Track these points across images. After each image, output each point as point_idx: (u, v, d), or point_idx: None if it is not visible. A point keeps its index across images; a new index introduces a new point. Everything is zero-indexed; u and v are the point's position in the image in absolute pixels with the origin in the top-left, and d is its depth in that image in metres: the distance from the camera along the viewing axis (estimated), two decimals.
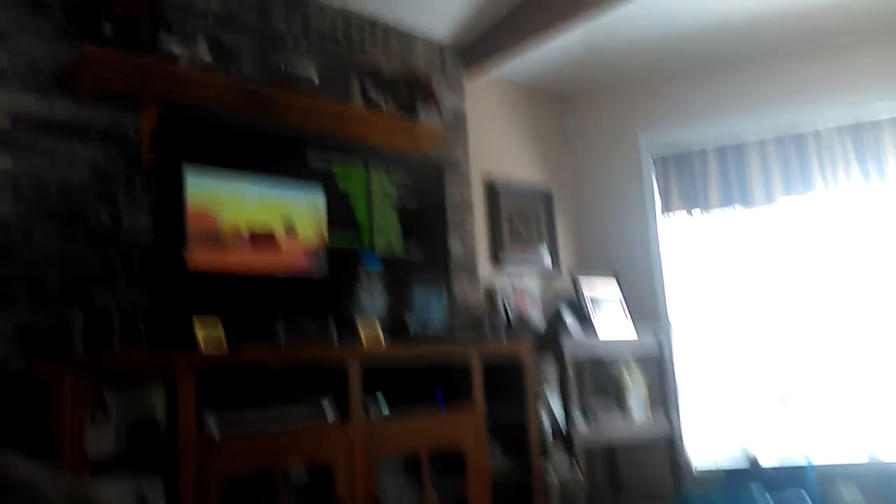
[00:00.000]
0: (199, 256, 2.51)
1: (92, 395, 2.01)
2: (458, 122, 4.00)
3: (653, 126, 4.58)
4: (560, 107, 4.81)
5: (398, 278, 3.06)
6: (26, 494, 0.88)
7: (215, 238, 2.57)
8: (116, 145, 2.67)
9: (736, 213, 4.36)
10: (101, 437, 2.02)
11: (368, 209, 3.05)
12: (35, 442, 2.11)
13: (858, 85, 4.10)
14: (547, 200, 4.52)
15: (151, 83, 2.59)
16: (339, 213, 2.93)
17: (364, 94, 3.28)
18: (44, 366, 2.15)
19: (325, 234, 2.88)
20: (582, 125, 4.80)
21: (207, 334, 2.31)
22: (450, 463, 2.83)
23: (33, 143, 2.50)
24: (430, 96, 3.49)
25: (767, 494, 2.95)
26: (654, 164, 4.58)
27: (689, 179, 4.46)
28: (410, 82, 3.49)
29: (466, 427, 2.84)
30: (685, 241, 4.51)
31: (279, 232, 2.75)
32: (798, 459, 3.78)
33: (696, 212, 4.44)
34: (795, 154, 4.22)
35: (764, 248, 4.33)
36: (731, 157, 4.37)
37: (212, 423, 2.20)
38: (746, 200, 4.29)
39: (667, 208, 4.52)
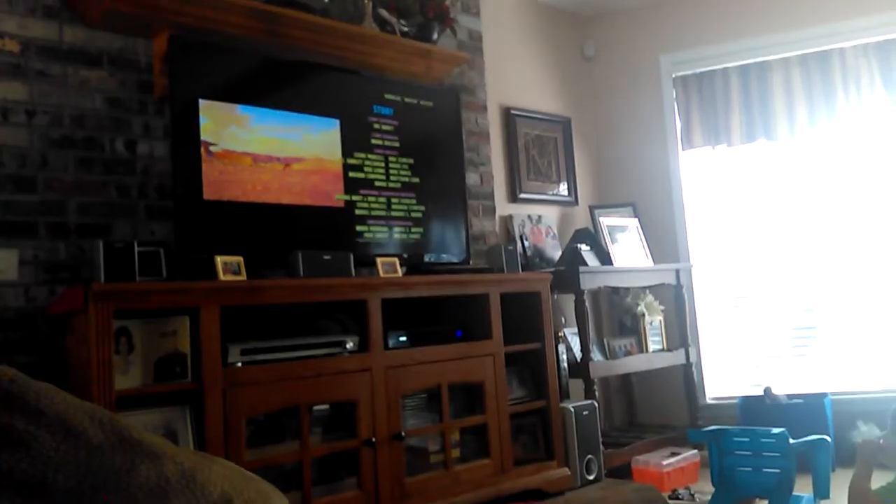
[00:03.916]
0: (215, 187, 2.47)
1: (116, 326, 2.00)
2: (474, 44, 3.87)
3: (674, 47, 4.45)
4: (579, 28, 4.67)
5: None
6: (62, 425, 0.86)
7: (230, 168, 2.53)
8: (127, 71, 2.62)
9: (758, 147, 4.27)
10: (127, 370, 2.02)
11: None
12: (57, 376, 2.12)
13: (883, 1, 3.96)
14: (565, 129, 4.43)
15: (160, 2, 2.50)
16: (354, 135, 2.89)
17: (376, 15, 3.17)
18: (66, 297, 2.14)
19: (341, 159, 2.84)
20: (602, 47, 4.66)
21: (227, 266, 2.29)
22: (469, 395, 2.85)
23: (44, 70, 2.43)
24: (444, 15, 3.35)
25: (783, 425, 2.97)
26: (676, 86, 4.46)
27: (711, 105, 4.35)
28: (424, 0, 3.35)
29: (485, 360, 2.85)
30: (706, 175, 4.43)
31: (296, 161, 2.70)
32: (814, 391, 3.80)
33: (719, 147, 4.35)
34: (819, 74, 4.11)
35: (785, 183, 4.25)
36: (754, 78, 4.25)
37: (235, 353, 2.20)
38: (769, 132, 4.19)
39: (688, 143, 4.42)
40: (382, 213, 2.95)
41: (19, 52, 2.39)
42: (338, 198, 2.82)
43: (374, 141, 2.97)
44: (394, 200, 3.00)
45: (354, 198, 2.87)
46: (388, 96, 3.03)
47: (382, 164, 2.98)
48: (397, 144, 3.04)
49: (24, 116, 2.38)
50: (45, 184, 2.40)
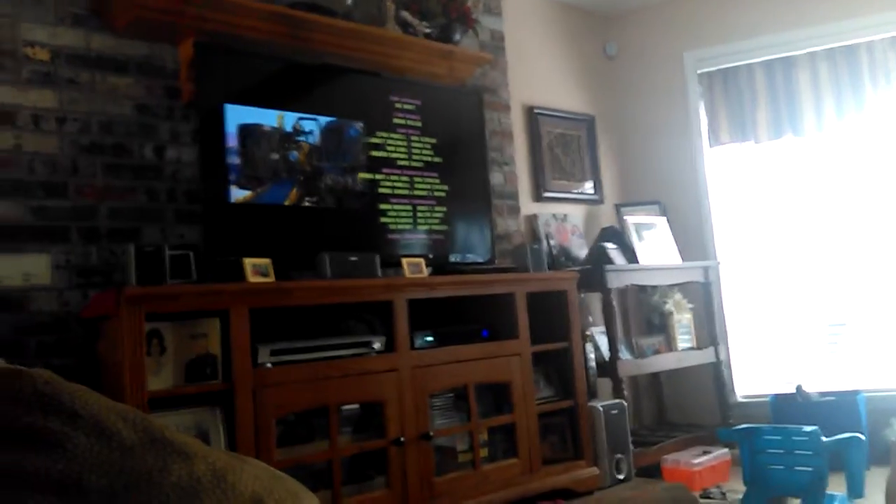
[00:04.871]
0: (242, 190, 2.50)
1: (147, 329, 2.03)
2: (497, 45, 3.87)
3: (698, 44, 4.41)
4: (601, 26, 4.64)
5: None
6: (96, 426, 0.87)
7: (256, 170, 2.55)
8: (155, 78, 2.65)
9: (786, 142, 4.21)
10: (159, 372, 2.05)
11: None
12: (90, 378, 2.16)
13: None
14: (589, 127, 4.41)
15: (186, 9, 2.53)
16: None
17: (398, 17, 3.18)
18: (99, 300, 2.17)
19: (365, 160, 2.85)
20: (624, 46, 4.63)
21: (256, 268, 2.32)
22: (496, 394, 2.85)
23: (73, 78, 2.48)
24: (465, 16, 3.35)
25: (815, 423, 2.93)
26: (701, 82, 4.42)
27: (737, 101, 4.31)
28: (446, 1, 3.35)
29: (512, 359, 2.84)
30: (733, 171, 4.39)
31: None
32: (847, 388, 3.74)
33: (746, 144, 4.30)
34: (847, 68, 4.05)
35: (813, 178, 4.20)
36: (780, 73, 4.20)
37: (264, 354, 2.22)
38: (797, 127, 4.14)
39: (715, 140, 4.38)
40: (406, 191, 2.96)
41: (49, 60, 2.43)
42: (360, 177, 2.83)
43: (396, 120, 2.98)
44: (417, 179, 3.00)
45: (377, 177, 2.88)
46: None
47: (405, 144, 2.99)
48: (419, 124, 3.05)
49: (55, 123, 2.42)
50: (75, 189, 2.44)
